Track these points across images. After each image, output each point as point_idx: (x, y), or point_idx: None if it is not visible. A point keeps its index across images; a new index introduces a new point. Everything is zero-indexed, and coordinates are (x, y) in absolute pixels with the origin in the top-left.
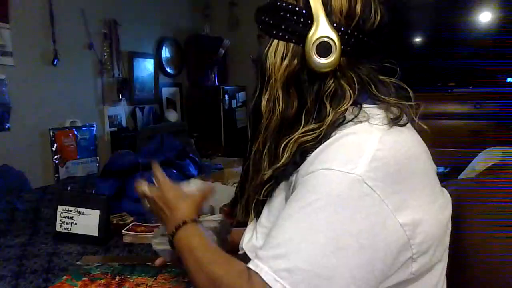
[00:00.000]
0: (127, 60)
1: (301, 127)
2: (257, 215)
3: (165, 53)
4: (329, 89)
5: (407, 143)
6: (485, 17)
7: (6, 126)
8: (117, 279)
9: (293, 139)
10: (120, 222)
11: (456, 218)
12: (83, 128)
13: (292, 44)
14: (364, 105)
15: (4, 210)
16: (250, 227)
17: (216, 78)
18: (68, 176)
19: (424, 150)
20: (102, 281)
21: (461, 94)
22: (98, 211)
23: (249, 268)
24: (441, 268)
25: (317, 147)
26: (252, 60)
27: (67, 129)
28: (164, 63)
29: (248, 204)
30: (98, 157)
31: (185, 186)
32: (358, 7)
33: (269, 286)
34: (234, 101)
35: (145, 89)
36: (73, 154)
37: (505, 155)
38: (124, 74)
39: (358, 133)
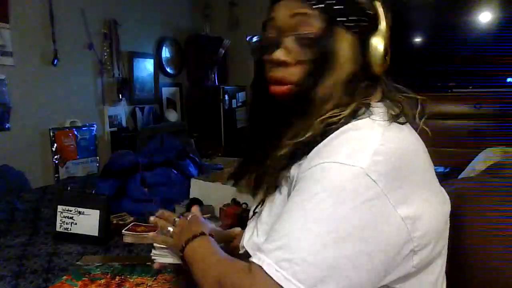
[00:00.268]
0: (127, 60)
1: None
2: (269, 190)
3: (165, 53)
4: (368, 86)
5: (407, 139)
6: (485, 17)
7: (6, 126)
8: (117, 279)
9: (319, 120)
10: (120, 222)
11: (456, 218)
12: (83, 128)
13: (357, 40)
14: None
15: (4, 210)
16: (250, 225)
17: (216, 78)
18: (68, 176)
19: (423, 147)
20: (102, 281)
21: (461, 94)
22: (98, 211)
23: (252, 263)
24: (441, 264)
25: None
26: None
27: (67, 129)
28: (164, 63)
29: (259, 179)
30: (98, 157)
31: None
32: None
33: (270, 277)
34: (234, 101)
35: (145, 89)
36: (73, 154)
37: (505, 155)
38: (124, 74)
39: (360, 128)
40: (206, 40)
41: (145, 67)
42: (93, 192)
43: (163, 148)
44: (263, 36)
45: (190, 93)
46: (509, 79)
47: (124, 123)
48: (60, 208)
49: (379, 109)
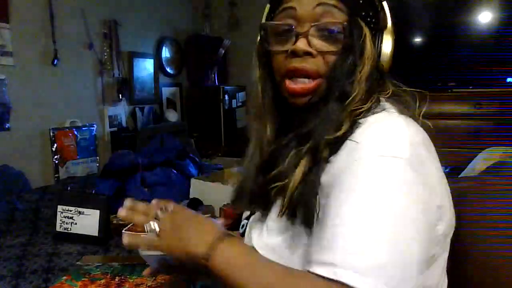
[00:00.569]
0: (127, 60)
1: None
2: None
3: (165, 53)
4: (381, 82)
5: (424, 132)
6: (485, 17)
7: (6, 126)
8: (116, 279)
9: (347, 114)
10: (120, 222)
11: (457, 216)
12: (83, 128)
13: (372, 36)
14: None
15: (4, 210)
16: (256, 224)
17: (216, 78)
18: (68, 176)
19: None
20: (102, 281)
21: (461, 94)
22: (98, 211)
23: (326, 279)
24: (443, 259)
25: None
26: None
27: (67, 129)
28: (164, 63)
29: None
30: (98, 157)
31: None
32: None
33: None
34: (234, 101)
35: (145, 89)
36: (73, 154)
37: (505, 155)
38: (124, 74)
39: (385, 121)
40: (206, 40)
41: (145, 67)
42: (93, 192)
43: (163, 148)
44: (280, 25)
45: (190, 93)
46: (509, 79)
47: (124, 123)
48: (60, 208)
49: (387, 104)
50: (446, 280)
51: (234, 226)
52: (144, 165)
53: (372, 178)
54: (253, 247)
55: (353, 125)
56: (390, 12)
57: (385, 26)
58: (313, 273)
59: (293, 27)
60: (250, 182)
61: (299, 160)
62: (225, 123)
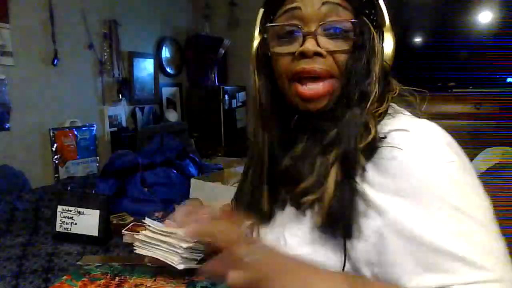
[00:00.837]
0: (127, 60)
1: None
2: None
3: (165, 53)
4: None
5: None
6: (485, 17)
7: (6, 126)
8: (116, 280)
9: (370, 114)
10: (120, 222)
11: None
12: (83, 128)
13: (377, 35)
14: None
15: (4, 210)
16: (270, 232)
17: (216, 78)
18: (68, 176)
19: None
20: (102, 281)
21: (461, 95)
22: (98, 211)
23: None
24: None
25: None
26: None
27: (67, 129)
28: (164, 63)
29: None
30: (98, 157)
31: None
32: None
33: None
34: (234, 101)
35: (145, 89)
36: (73, 154)
37: (505, 155)
38: (124, 74)
39: (414, 123)
40: (206, 40)
41: (145, 67)
42: (93, 192)
43: (163, 148)
44: (285, 27)
45: (190, 93)
46: (509, 79)
47: (124, 123)
48: (60, 208)
49: (396, 105)
50: None
51: None
52: (144, 165)
53: (445, 185)
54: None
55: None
56: (387, 9)
57: (384, 24)
58: None
59: (300, 27)
60: (254, 192)
61: (328, 170)
62: (225, 123)
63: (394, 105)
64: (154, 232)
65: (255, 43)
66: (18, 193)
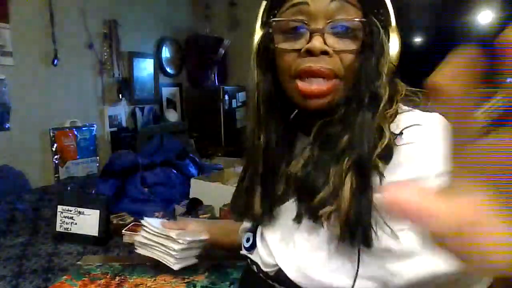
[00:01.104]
0: (127, 60)
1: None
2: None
3: (165, 53)
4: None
5: None
6: (485, 17)
7: (6, 126)
8: (116, 279)
9: (382, 116)
10: (120, 222)
11: None
12: (83, 128)
13: (384, 35)
14: None
15: (4, 210)
16: (273, 232)
17: (216, 78)
18: (68, 176)
19: None
20: (102, 281)
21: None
22: (98, 211)
23: None
24: None
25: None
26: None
27: (67, 129)
28: (164, 63)
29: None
30: (98, 157)
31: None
32: None
33: None
34: (234, 101)
35: (145, 89)
36: (73, 154)
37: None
38: (124, 74)
39: (426, 117)
40: (206, 40)
41: (145, 67)
42: (93, 192)
43: (163, 148)
44: (290, 22)
45: (190, 93)
46: (509, 79)
47: (124, 123)
48: (60, 208)
49: (404, 106)
50: None
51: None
52: (144, 165)
53: None
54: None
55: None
56: (393, 9)
57: (390, 24)
58: None
59: (306, 23)
60: (254, 194)
61: (343, 179)
62: (225, 123)
63: (401, 105)
64: (150, 233)
65: (257, 37)
66: (18, 193)
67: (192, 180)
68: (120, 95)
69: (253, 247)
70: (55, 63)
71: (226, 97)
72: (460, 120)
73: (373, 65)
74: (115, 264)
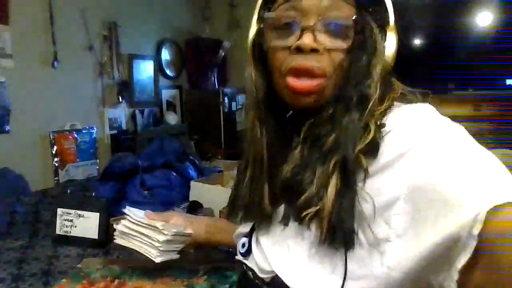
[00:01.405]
0: (127, 62)
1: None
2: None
3: (165, 55)
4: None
5: None
6: (485, 18)
7: (6, 129)
8: (116, 282)
9: (370, 115)
10: None
11: None
12: (83, 131)
13: (379, 34)
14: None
15: (4, 213)
16: (267, 235)
17: (216, 80)
18: (68, 179)
19: None
20: (101, 284)
21: (461, 96)
22: (98, 214)
23: None
24: None
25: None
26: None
27: (67, 132)
28: (164, 65)
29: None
30: (98, 160)
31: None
32: None
33: None
34: (234, 103)
35: (145, 92)
36: (73, 157)
37: (503, 157)
38: (124, 76)
39: (407, 108)
40: (206, 42)
41: (145, 69)
42: (93, 195)
43: (163, 151)
44: (282, 18)
45: (190, 95)
46: (508, 81)
47: (124, 126)
48: (59, 211)
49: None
50: None
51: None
52: (144, 167)
53: (457, 138)
54: None
55: (379, 126)
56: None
57: (388, 23)
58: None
59: (298, 20)
60: (255, 192)
61: (328, 179)
62: (225, 126)
63: (395, 103)
64: (133, 223)
65: (252, 32)
66: (17, 196)
67: (192, 183)
68: (120, 97)
69: (248, 252)
70: (55, 65)
71: (226, 99)
72: None
73: (364, 65)
74: (115, 267)
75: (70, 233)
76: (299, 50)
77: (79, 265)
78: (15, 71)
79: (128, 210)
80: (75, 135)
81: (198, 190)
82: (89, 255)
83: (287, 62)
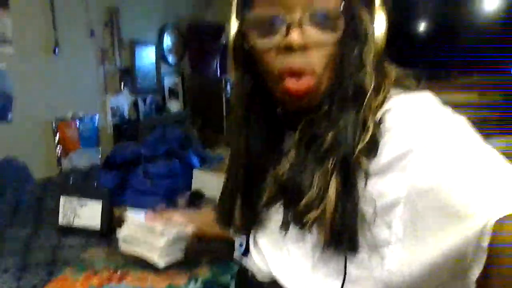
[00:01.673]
0: (128, 49)
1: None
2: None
3: (167, 41)
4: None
5: None
6: (490, 3)
7: (8, 117)
8: (119, 272)
9: (368, 109)
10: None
11: None
12: (86, 119)
13: (368, 18)
14: None
15: (7, 202)
16: (266, 238)
17: (218, 66)
18: (71, 167)
19: None
20: (105, 274)
21: (465, 83)
22: (100, 203)
23: None
24: None
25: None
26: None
27: (70, 120)
28: (166, 51)
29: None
30: (100, 148)
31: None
32: None
33: None
34: None
35: (147, 78)
36: (75, 145)
37: (508, 145)
38: (126, 63)
39: (402, 98)
40: (208, 28)
41: (147, 56)
42: (96, 184)
43: (165, 139)
44: (264, 14)
45: (192, 82)
46: None
47: (126, 114)
48: (62, 200)
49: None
50: None
51: None
52: (146, 156)
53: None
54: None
55: (378, 123)
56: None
57: (374, 3)
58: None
59: (281, 15)
60: (234, 206)
61: (327, 181)
62: (228, 113)
63: (391, 91)
64: (133, 229)
65: (232, 31)
66: (20, 185)
67: (195, 171)
68: (122, 84)
69: (246, 252)
70: (56, 51)
71: (229, 86)
72: None
73: (356, 55)
74: (118, 257)
75: (73, 222)
76: (289, 48)
77: (82, 255)
78: (16, 58)
79: (128, 216)
80: (78, 123)
81: (201, 179)
82: (92, 244)
83: (278, 63)
